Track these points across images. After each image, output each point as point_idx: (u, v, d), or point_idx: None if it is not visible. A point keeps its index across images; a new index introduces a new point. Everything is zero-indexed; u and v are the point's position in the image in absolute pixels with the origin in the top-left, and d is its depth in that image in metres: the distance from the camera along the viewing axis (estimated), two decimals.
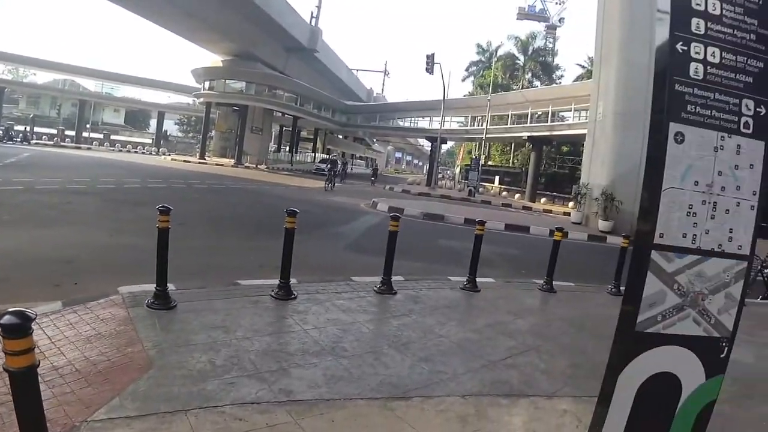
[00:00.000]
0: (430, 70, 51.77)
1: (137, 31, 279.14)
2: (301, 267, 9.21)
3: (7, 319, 2.90)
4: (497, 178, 66.66)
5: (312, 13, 68.62)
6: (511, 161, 75.39)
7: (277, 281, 7.99)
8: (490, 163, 73.13)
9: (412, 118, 77.61)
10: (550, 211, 41.77)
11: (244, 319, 6.73)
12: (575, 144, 58.51)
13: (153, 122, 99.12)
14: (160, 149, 77.56)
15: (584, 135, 34.94)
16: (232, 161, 59.29)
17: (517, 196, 57.12)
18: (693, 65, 3.20)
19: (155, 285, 6.86)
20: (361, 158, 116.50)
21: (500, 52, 79.76)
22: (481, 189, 55.24)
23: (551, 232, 15.72)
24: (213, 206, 20.76)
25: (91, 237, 11.63)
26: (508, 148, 76.54)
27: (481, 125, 61.17)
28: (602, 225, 27.11)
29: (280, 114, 69.16)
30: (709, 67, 3.21)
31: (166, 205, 6.90)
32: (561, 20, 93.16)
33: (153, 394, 4.54)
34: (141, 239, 10.97)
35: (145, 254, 8.46)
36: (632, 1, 27.33)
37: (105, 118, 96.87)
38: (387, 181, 61.80)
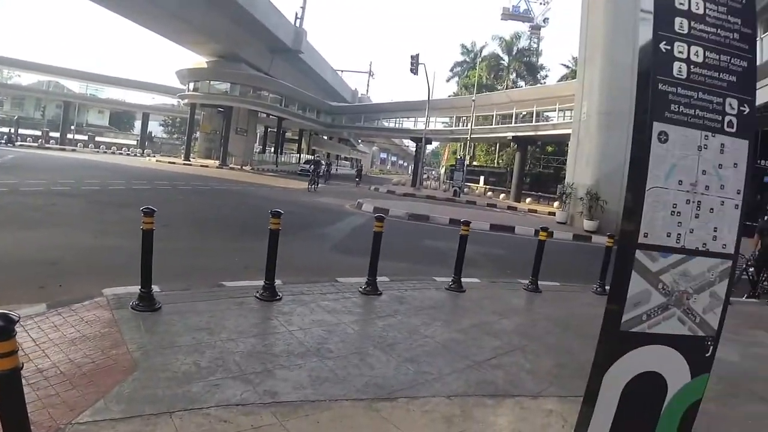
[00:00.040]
0: (414, 70, 51.80)
1: (121, 32, 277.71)
2: (286, 268, 9.19)
3: None
4: (482, 178, 66.77)
5: (296, 14, 68.39)
6: (496, 161, 75.48)
7: (262, 282, 7.96)
8: (475, 163, 73.21)
9: (397, 119, 77.56)
10: (535, 211, 41.85)
11: (228, 321, 6.69)
12: (560, 144, 58.69)
13: (138, 124, 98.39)
14: (145, 151, 77.00)
15: (569, 135, 35.04)
16: (217, 162, 59.00)
17: (502, 196, 57.20)
18: (676, 64, 3.21)
19: (140, 287, 6.81)
20: (346, 159, 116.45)
21: (485, 53, 79.95)
22: (466, 189, 55.25)
23: (536, 232, 15.73)
24: (198, 207, 20.67)
25: (75, 239, 11.55)
26: (493, 148, 76.63)
27: (466, 125, 61.31)
28: (587, 224, 27.21)
29: (264, 115, 68.90)
30: (692, 67, 3.23)
31: (150, 206, 6.86)
32: (545, 20, 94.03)
33: (138, 397, 4.51)
34: (126, 241, 10.91)
35: (129, 256, 8.45)
36: (616, 1, 27.44)
37: (89, 119, 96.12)
38: (372, 182, 61.74)
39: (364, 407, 4.86)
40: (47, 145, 64.33)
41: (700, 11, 3.24)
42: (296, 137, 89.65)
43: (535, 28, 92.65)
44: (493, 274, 12.83)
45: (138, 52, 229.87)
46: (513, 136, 55.85)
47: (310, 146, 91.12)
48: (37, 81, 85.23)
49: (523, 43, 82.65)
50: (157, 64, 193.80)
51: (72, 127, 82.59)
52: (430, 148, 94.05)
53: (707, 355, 3.42)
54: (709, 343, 3.41)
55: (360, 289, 8.99)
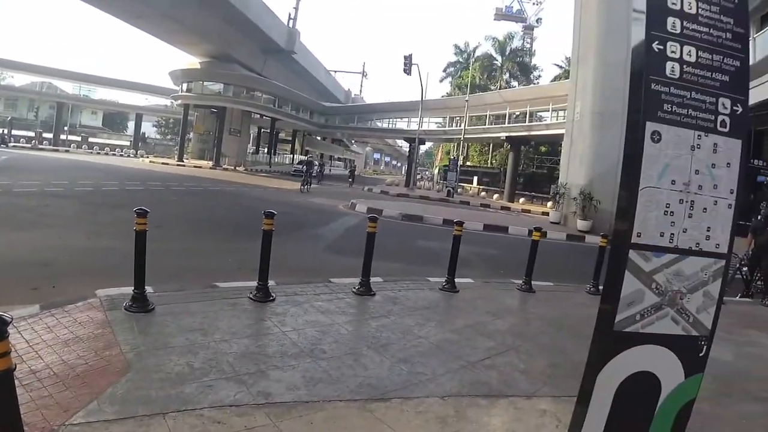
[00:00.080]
0: (407, 71, 51.80)
1: (115, 33, 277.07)
2: (280, 269, 9.19)
3: None
4: (476, 178, 66.84)
5: (290, 15, 68.51)
6: (489, 161, 75.56)
7: (255, 283, 7.96)
8: (468, 163, 73.30)
9: (391, 119, 77.63)
10: (529, 211, 41.93)
11: (222, 322, 6.68)
12: (553, 144, 58.85)
13: (131, 124, 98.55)
14: (138, 151, 76.85)
15: (562, 135, 35.06)
16: (211, 163, 58.88)
17: (495, 196, 57.21)
18: (669, 64, 3.20)
19: (133, 288, 6.81)
20: (339, 159, 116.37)
21: (478, 53, 79.93)
22: (459, 189, 55.33)
23: (530, 232, 15.76)
24: (191, 208, 20.61)
25: (69, 240, 11.52)
26: (486, 148, 76.73)
27: (459, 126, 61.25)
28: (581, 224, 27.24)
29: (258, 116, 68.95)
30: (685, 66, 3.23)
31: (143, 207, 6.85)
32: (538, 20, 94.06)
33: (131, 398, 4.50)
34: (119, 242, 10.89)
35: (122, 257, 8.41)
36: (609, 1, 27.47)
37: (83, 120, 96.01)
38: (365, 183, 61.74)
39: (357, 408, 4.86)
40: (40, 146, 64.34)
41: (693, 11, 3.24)
42: (290, 138, 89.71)
43: (528, 29, 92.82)
44: (486, 274, 12.83)
45: (131, 54, 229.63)
46: (506, 137, 55.98)
47: (304, 147, 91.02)
48: (30, 82, 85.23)
49: (516, 43, 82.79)
50: (151, 65, 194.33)
51: (65, 128, 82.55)
52: (423, 148, 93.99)
53: (701, 354, 3.42)
54: (703, 342, 3.41)
55: (353, 290, 8.98)
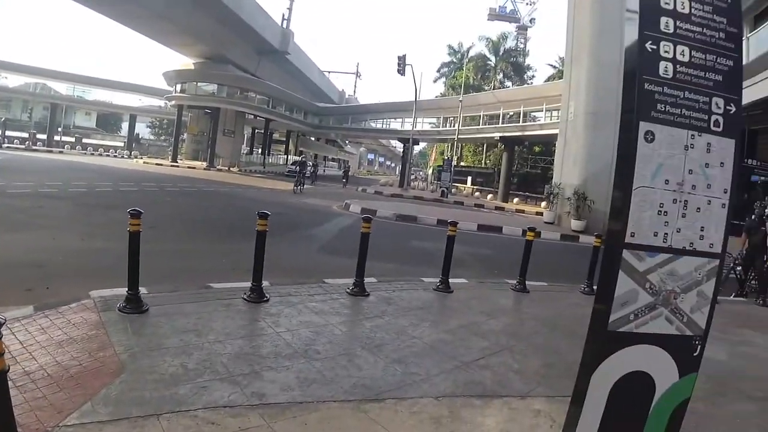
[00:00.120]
0: (401, 71, 51.72)
1: (109, 34, 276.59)
2: (274, 269, 9.18)
3: None
4: (470, 178, 66.91)
5: (283, 15, 68.50)
6: (483, 162, 75.59)
7: (249, 284, 7.94)
8: (462, 163, 73.29)
9: (385, 120, 77.63)
10: (523, 211, 41.90)
11: (216, 323, 6.67)
12: (547, 144, 58.85)
13: (125, 125, 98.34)
14: (132, 152, 76.81)
15: (556, 135, 35.06)
16: (205, 164, 58.80)
17: (489, 196, 57.21)
18: (662, 64, 3.21)
19: (127, 289, 6.79)
20: (333, 160, 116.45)
21: (471, 53, 79.91)
22: (453, 190, 55.33)
23: (524, 232, 15.74)
24: (185, 209, 20.58)
25: (62, 241, 11.49)
26: (480, 148, 76.76)
27: (453, 126, 61.24)
28: (575, 224, 27.25)
29: (252, 116, 68.84)
30: (678, 66, 3.23)
31: (137, 208, 6.84)
32: (532, 21, 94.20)
33: (125, 399, 4.49)
34: (113, 243, 10.84)
35: (116, 258, 8.39)
36: (603, 1, 27.49)
37: (77, 121, 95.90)
38: (359, 183, 61.73)
39: (351, 408, 4.85)
40: (34, 147, 64.24)
41: (686, 11, 3.25)
42: (284, 138, 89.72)
43: (522, 29, 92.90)
44: (480, 274, 12.84)
45: (125, 55, 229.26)
46: (500, 137, 55.98)
47: (298, 147, 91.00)
48: (24, 83, 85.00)
49: (509, 43, 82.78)
50: (145, 66, 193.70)
51: (59, 129, 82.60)
52: (417, 148, 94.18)
53: (695, 354, 3.43)
54: (697, 342, 3.42)
55: (347, 290, 8.97)
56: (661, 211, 3.23)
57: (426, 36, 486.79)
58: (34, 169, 30.89)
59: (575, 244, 23.90)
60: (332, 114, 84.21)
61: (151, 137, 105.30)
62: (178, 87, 62.55)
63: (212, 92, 61.64)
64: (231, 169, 58.35)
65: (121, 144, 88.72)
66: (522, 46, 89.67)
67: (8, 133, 71.38)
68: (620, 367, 3.36)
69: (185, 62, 62.69)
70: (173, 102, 64.56)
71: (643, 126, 3.17)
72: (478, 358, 6.59)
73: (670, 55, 3.21)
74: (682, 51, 3.23)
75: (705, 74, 3.27)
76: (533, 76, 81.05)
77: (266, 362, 5.65)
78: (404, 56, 51.35)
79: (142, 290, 7.05)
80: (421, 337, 7.17)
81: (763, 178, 26.86)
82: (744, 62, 3.49)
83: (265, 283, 8.12)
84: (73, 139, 78.81)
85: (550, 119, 49.14)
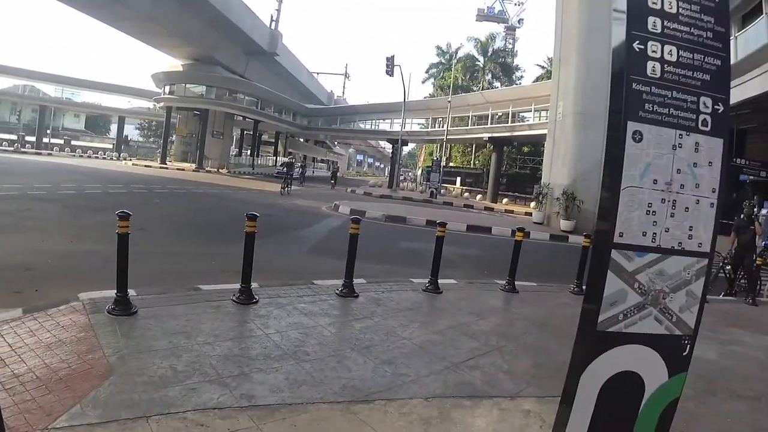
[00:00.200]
0: (390, 72, 51.76)
1: (97, 36, 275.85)
2: (263, 271, 9.16)
3: None
4: (459, 179, 67.07)
5: (272, 17, 68.39)
6: (472, 162, 75.80)
7: (238, 286, 7.93)
8: (451, 164, 73.54)
9: (373, 121, 77.65)
10: (512, 212, 42.08)
11: (205, 324, 6.65)
12: (536, 144, 59.13)
13: (114, 127, 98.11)
14: (121, 154, 76.60)
15: (545, 135, 35.22)
16: (194, 165, 58.65)
17: (479, 197, 57.39)
18: (650, 64, 3.21)
19: (116, 291, 6.77)
20: (322, 161, 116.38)
21: (460, 54, 79.92)
22: (442, 190, 55.53)
23: (513, 233, 15.77)
24: (174, 211, 20.51)
25: (51, 243, 11.43)
26: (469, 149, 76.97)
27: (442, 127, 61.42)
28: (564, 224, 27.35)
29: (241, 118, 68.74)
30: (666, 66, 3.23)
31: (125, 210, 6.82)
32: (520, 21, 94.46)
33: (114, 401, 4.48)
34: (102, 245, 10.79)
35: (105, 260, 8.37)
36: (590, 1, 27.57)
37: (65, 123, 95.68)
38: (348, 184, 61.80)
39: (341, 410, 4.84)
40: (23, 150, 63.80)
41: (674, 10, 3.24)
42: (272, 140, 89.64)
43: (510, 29, 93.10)
44: (470, 275, 12.85)
45: (113, 56, 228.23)
46: (489, 137, 56.19)
47: (287, 149, 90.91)
48: (12, 85, 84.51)
49: (498, 44, 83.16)
50: (133, 67, 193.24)
51: (48, 131, 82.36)
52: (406, 149, 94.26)
53: (684, 354, 3.43)
54: (686, 341, 3.42)
55: (337, 291, 8.97)
56: (649, 211, 3.23)
57: (414, 37, 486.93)
58: (23, 172, 30.78)
59: (564, 244, 23.98)
60: (321, 115, 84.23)
61: (140, 139, 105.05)
62: (167, 89, 62.36)
63: (201, 94, 61.53)
64: (220, 170, 58.27)
65: (110, 146, 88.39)
66: (510, 46, 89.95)
67: None
68: (609, 367, 3.36)
69: (173, 64, 62.51)
70: (162, 104, 64.35)
71: (631, 126, 3.17)
72: (468, 359, 6.59)
73: (658, 55, 3.21)
74: (670, 51, 3.23)
75: (693, 74, 3.27)
76: (522, 77, 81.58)
77: (255, 364, 5.64)
78: (393, 57, 51.41)
79: (131, 292, 7.04)
80: (411, 337, 7.17)
81: (751, 177, 26.97)
82: (732, 62, 3.50)
83: (254, 285, 8.11)
84: (62, 141, 78.30)
85: (539, 119, 49.35)
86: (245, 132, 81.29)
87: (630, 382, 3.39)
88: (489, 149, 63.01)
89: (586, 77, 27.40)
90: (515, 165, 66.14)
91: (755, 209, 13.45)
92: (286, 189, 35.58)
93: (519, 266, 10.93)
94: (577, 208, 26.87)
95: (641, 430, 3.47)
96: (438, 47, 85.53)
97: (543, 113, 47.65)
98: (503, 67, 79.69)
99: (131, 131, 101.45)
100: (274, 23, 67.70)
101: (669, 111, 3.22)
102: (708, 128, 3.28)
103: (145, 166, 55.43)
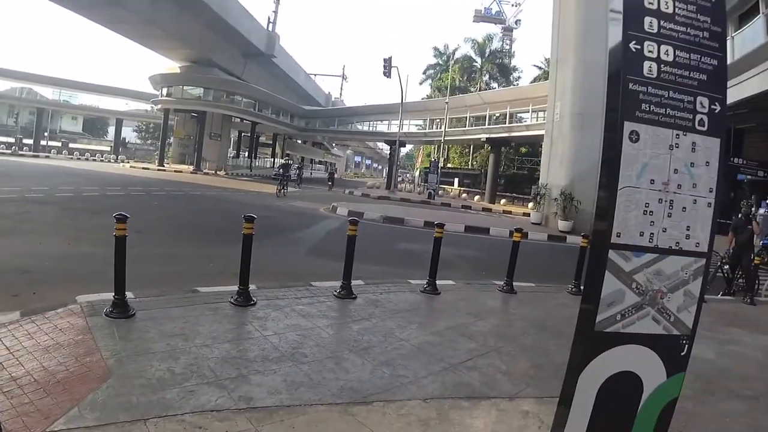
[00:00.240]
0: (387, 73, 51.74)
1: (95, 38, 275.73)
2: (261, 273, 9.15)
3: None
4: (456, 180, 66.93)
5: (269, 19, 68.28)
6: (470, 163, 75.71)
7: (236, 288, 7.93)
8: (449, 165, 73.47)
9: (371, 122, 77.56)
10: (510, 212, 42.10)
11: (203, 327, 6.64)
12: (534, 145, 59.15)
13: (111, 130, 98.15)
14: (119, 157, 76.62)
15: (542, 136, 35.16)
16: (191, 168, 58.60)
17: (476, 197, 57.27)
18: (646, 64, 3.21)
19: (113, 293, 6.77)
20: (320, 163, 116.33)
21: (457, 55, 79.94)
22: (440, 191, 55.51)
23: (511, 233, 15.76)
24: (172, 213, 20.49)
25: (49, 246, 11.40)
26: (467, 150, 76.90)
27: (440, 128, 61.40)
28: (562, 225, 27.36)
29: (238, 120, 68.68)
30: (662, 66, 3.23)
31: (123, 212, 6.80)
32: (517, 22, 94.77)
33: (112, 404, 4.47)
34: (99, 248, 10.78)
35: (103, 263, 8.34)
36: (587, 1, 27.59)
37: (63, 126, 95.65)
38: (346, 186, 61.72)
39: (339, 411, 4.84)
40: (21, 152, 63.90)
41: (670, 10, 3.24)
42: (270, 142, 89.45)
43: (508, 30, 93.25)
44: (468, 275, 12.83)
45: (111, 59, 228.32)
46: (487, 138, 56.18)
47: (285, 150, 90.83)
48: (9, 87, 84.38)
49: (495, 44, 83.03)
50: (131, 70, 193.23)
51: (45, 134, 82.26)
52: (404, 150, 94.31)
53: (683, 353, 3.42)
54: (685, 341, 3.41)
55: (335, 293, 8.97)
56: (646, 211, 3.23)
57: (412, 38, 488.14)
58: (21, 174, 30.73)
59: (562, 244, 23.98)
60: (319, 117, 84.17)
61: (138, 141, 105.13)
62: (164, 91, 62.29)
63: (198, 96, 61.40)
64: (218, 172, 58.19)
65: (108, 148, 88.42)
66: (508, 47, 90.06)
67: None
68: (608, 367, 3.35)
69: (171, 66, 62.48)
70: (159, 106, 64.28)
71: (628, 126, 3.17)
72: (466, 360, 6.59)
73: (654, 55, 3.21)
74: (666, 51, 3.23)
75: (689, 74, 3.26)
76: (519, 78, 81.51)
77: (253, 366, 5.63)
78: (390, 58, 51.40)
79: (129, 295, 7.04)
80: (409, 339, 7.17)
81: (749, 176, 27.03)
82: (729, 61, 3.49)
83: (252, 287, 8.10)
84: (59, 144, 78.46)
85: (537, 120, 49.35)
86: (243, 134, 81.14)
87: (628, 382, 3.38)
88: (486, 150, 63.02)
89: (583, 78, 27.41)
90: (513, 166, 66.14)
91: (753, 209, 13.46)
92: (282, 191, 35.45)
93: (517, 267, 10.93)
94: (575, 208, 26.88)
95: (640, 431, 3.47)
96: (435, 48, 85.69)
97: (540, 114, 47.63)
98: (500, 68, 79.68)
99: (129, 133, 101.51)
100: (271, 25, 67.64)
101: (666, 111, 3.22)
102: (705, 128, 3.28)
103: (143, 168, 55.37)
